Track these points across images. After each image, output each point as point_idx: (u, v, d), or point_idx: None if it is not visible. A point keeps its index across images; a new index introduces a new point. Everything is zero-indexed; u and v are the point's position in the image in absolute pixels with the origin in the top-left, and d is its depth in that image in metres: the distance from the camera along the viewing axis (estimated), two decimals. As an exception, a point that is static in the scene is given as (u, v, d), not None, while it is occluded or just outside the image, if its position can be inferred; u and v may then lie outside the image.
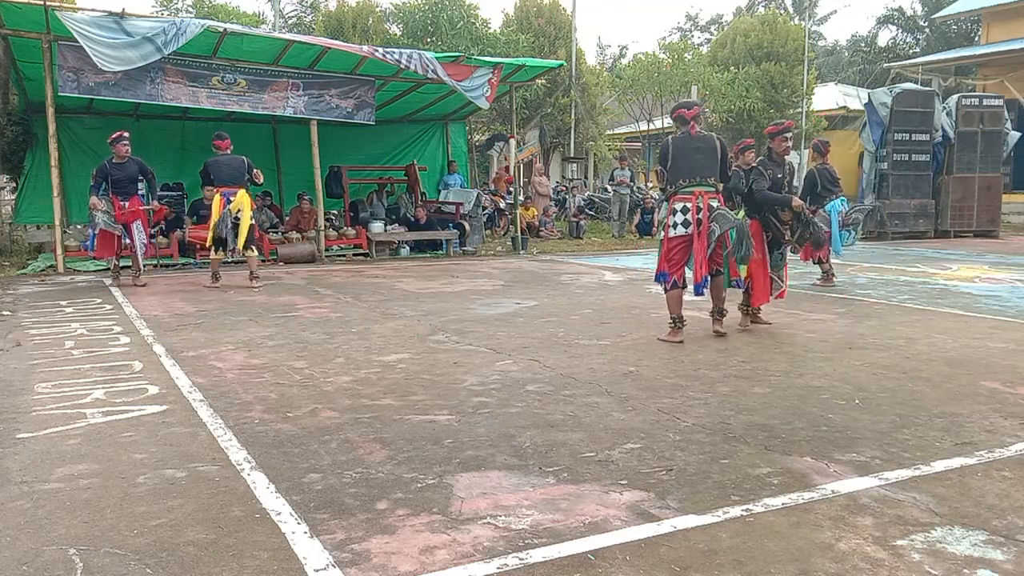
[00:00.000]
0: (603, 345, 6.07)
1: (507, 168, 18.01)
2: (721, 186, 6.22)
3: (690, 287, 6.25)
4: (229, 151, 9.50)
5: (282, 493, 3.15)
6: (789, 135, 6.59)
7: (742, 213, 6.62)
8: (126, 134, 9.20)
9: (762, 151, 6.94)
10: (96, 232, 9.30)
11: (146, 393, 4.72)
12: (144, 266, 9.86)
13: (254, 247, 9.67)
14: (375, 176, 16.00)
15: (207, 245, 9.68)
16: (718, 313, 6.41)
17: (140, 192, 9.52)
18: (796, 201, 6.51)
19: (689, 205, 6.08)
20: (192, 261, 12.03)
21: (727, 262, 6.28)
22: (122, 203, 9.04)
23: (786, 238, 6.57)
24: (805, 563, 2.58)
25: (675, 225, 6.11)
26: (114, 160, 9.04)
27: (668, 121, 6.85)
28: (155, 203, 9.54)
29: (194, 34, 10.51)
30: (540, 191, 18.73)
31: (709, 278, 6.19)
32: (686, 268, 6.20)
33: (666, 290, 6.25)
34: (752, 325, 6.75)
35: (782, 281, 6.79)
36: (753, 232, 6.42)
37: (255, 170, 9.56)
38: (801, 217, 6.53)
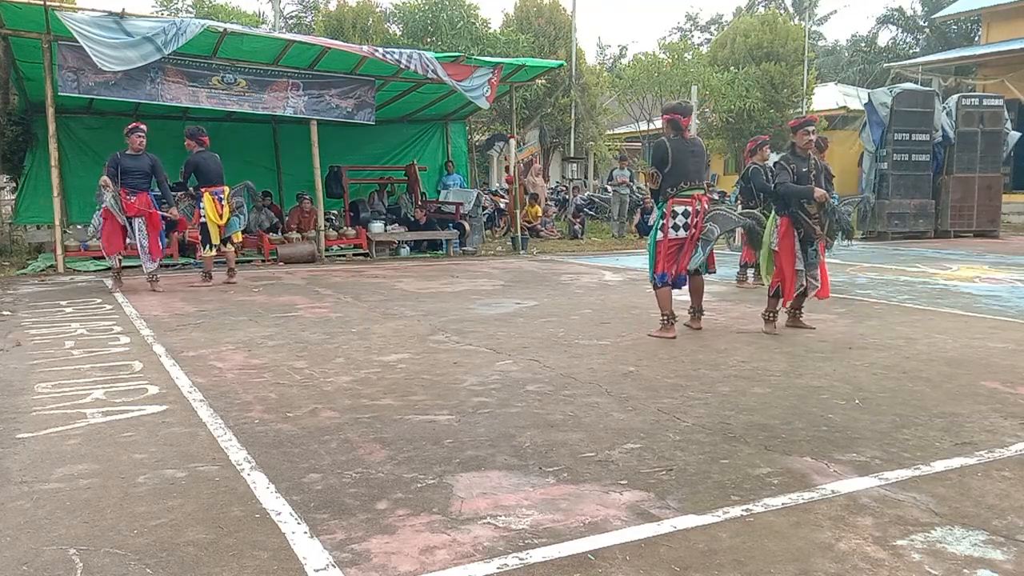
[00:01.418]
0: (603, 345, 6.07)
1: (507, 168, 17.97)
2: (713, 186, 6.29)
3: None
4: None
5: (282, 493, 3.15)
6: (811, 128, 6.42)
7: (771, 215, 6.52)
8: (143, 126, 9.03)
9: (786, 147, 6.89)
10: (101, 215, 8.87)
11: (146, 393, 4.72)
12: (156, 266, 9.15)
13: (231, 242, 10.01)
14: (375, 176, 16.00)
15: (211, 244, 9.66)
16: (698, 312, 6.64)
17: (153, 192, 9.25)
18: (819, 192, 6.20)
19: (689, 209, 6.23)
20: (192, 261, 12.02)
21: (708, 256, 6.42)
22: (130, 198, 8.77)
23: (817, 233, 6.32)
24: (805, 563, 2.58)
25: (675, 228, 6.24)
26: (127, 152, 8.87)
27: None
28: (174, 211, 9.23)
29: (194, 34, 10.51)
30: (534, 191, 18.51)
31: (688, 276, 6.38)
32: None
33: (656, 287, 6.38)
34: (794, 328, 6.58)
35: (817, 280, 6.46)
36: (784, 230, 6.37)
37: None
38: (826, 208, 6.29)
